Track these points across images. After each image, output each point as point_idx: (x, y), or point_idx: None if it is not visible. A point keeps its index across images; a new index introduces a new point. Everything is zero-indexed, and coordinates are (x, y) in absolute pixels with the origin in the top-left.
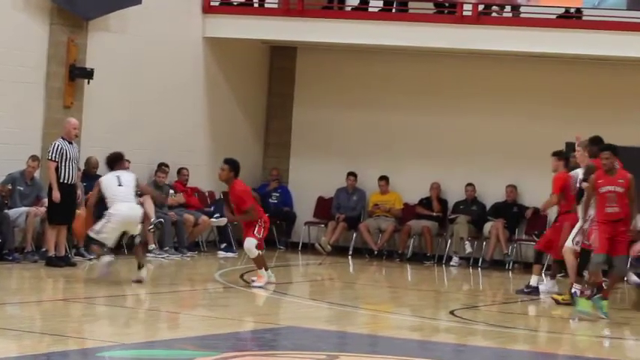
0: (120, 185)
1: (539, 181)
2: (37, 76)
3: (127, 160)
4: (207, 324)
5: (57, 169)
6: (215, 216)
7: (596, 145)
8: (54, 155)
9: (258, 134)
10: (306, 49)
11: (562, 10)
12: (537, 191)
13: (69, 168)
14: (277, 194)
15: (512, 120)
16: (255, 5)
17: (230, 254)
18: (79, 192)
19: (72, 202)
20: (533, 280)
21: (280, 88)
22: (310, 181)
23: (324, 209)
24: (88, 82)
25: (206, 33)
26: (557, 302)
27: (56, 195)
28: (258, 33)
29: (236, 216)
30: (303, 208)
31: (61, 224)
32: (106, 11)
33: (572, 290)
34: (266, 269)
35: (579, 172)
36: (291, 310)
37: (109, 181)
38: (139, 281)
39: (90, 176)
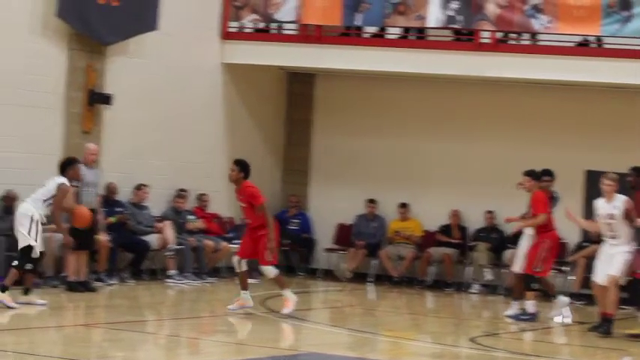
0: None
1: (558, 208)
2: (55, 102)
3: (144, 185)
4: (227, 350)
5: (76, 194)
6: (235, 242)
7: None
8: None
9: (277, 160)
10: (324, 76)
11: (580, 38)
12: (556, 219)
13: (87, 193)
14: (297, 220)
15: (531, 147)
16: (274, 32)
17: (251, 280)
18: (100, 217)
19: (92, 227)
20: (530, 306)
21: (299, 114)
22: (330, 207)
23: (344, 236)
24: (107, 108)
25: (224, 59)
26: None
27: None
28: (276, 59)
29: (248, 217)
30: (323, 235)
31: (81, 249)
32: (124, 37)
33: None
34: (246, 289)
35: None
36: (311, 337)
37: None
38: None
39: (110, 201)
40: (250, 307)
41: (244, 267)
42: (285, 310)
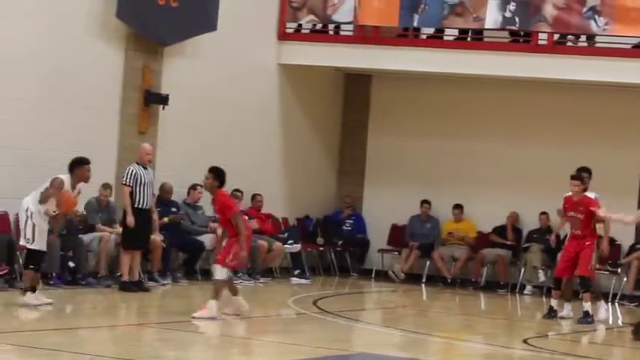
0: None
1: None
2: (111, 102)
3: (199, 185)
4: (279, 350)
5: (131, 193)
6: (289, 242)
7: None
8: (128, 180)
9: (332, 161)
10: (380, 77)
11: (638, 40)
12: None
13: (143, 193)
14: (351, 221)
15: (587, 149)
16: (331, 32)
17: (303, 281)
18: (155, 217)
19: (147, 226)
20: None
21: (355, 115)
22: (384, 208)
23: (398, 236)
24: (163, 108)
25: (281, 60)
26: None
27: (130, 220)
28: (333, 60)
29: (224, 227)
30: (377, 235)
31: (135, 249)
32: (183, 37)
33: None
34: (235, 294)
35: None
36: (363, 337)
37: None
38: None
39: (164, 201)
40: (246, 309)
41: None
42: (197, 314)
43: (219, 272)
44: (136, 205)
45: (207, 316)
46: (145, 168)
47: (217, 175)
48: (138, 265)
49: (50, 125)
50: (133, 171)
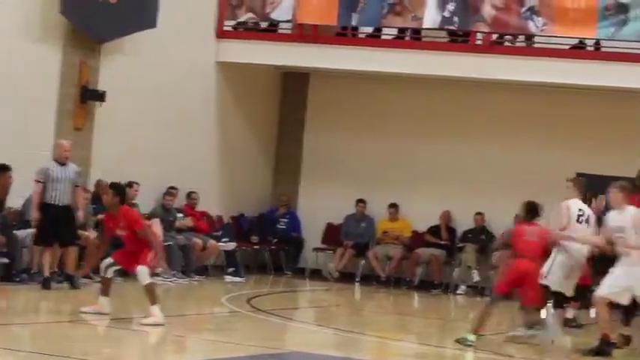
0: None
1: (548, 210)
2: (48, 98)
3: (134, 182)
4: (213, 348)
5: (45, 189)
6: (223, 240)
7: None
8: (39, 176)
9: (268, 159)
10: (318, 75)
11: (576, 41)
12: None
13: (58, 189)
14: (286, 220)
15: (523, 149)
16: (269, 30)
17: (237, 279)
18: (79, 214)
19: (62, 223)
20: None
21: (292, 113)
22: (319, 207)
23: (333, 235)
24: (100, 105)
25: (219, 57)
26: None
27: (34, 215)
28: (271, 58)
29: (128, 244)
30: (312, 234)
31: (46, 245)
32: (122, 34)
33: None
34: (107, 295)
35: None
36: (297, 336)
37: None
38: None
39: (100, 199)
40: (107, 313)
41: (110, 274)
42: (147, 321)
43: (143, 275)
44: (48, 202)
45: (154, 322)
46: (63, 164)
47: (118, 191)
48: (55, 261)
49: None
50: (44, 167)
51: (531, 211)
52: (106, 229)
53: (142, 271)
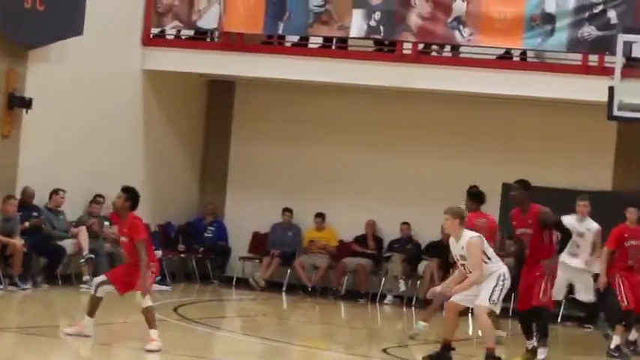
0: None
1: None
2: None
3: (61, 190)
4: (139, 357)
5: None
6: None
7: None
8: None
9: (195, 167)
10: (244, 84)
11: (502, 51)
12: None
13: None
14: (213, 228)
15: (449, 159)
16: (195, 39)
17: (164, 287)
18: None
19: None
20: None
21: (218, 122)
22: (246, 215)
23: (260, 244)
24: (27, 112)
25: (145, 65)
26: None
27: None
28: (197, 66)
29: (128, 254)
30: (239, 243)
31: None
32: (49, 41)
33: None
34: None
35: None
36: (224, 345)
37: None
38: None
39: (26, 206)
40: (88, 335)
41: (101, 293)
42: (151, 346)
43: (146, 300)
44: None
45: (157, 347)
46: None
47: (130, 195)
48: None
49: None
50: None
51: None
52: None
53: (145, 298)
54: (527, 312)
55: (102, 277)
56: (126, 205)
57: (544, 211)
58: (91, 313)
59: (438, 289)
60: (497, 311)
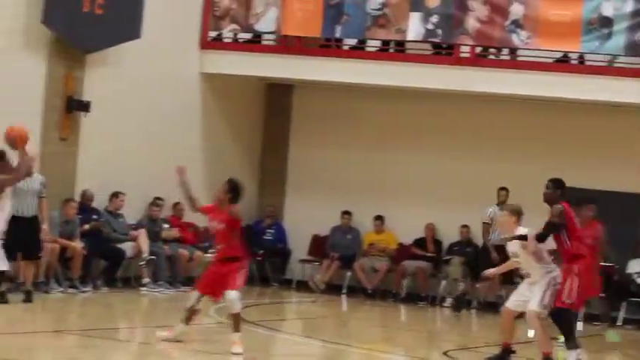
0: None
1: (534, 224)
2: (33, 109)
3: (120, 193)
4: (200, 359)
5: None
6: (210, 251)
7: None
8: None
9: (253, 170)
10: (302, 87)
11: (560, 54)
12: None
13: (22, 201)
14: (272, 231)
15: (506, 163)
16: (253, 42)
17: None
18: (44, 226)
19: (26, 236)
20: None
21: (276, 125)
22: (305, 218)
23: (319, 247)
24: (85, 115)
25: (203, 69)
26: None
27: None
28: (255, 70)
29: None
30: (298, 246)
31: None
32: (107, 45)
33: None
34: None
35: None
36: (284, 347)
37: None
38: None
39: (85, 209)
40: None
41: (198, 305)
42: (236, 349)
43: (234, 301)
44: (13, 214)
45: (239, 351)
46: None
47: (233, 189)
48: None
49: None
50: None
51: None
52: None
53: (233, 297)
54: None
55: (196, 294)
56: (227, 197)
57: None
58: (187, 321)
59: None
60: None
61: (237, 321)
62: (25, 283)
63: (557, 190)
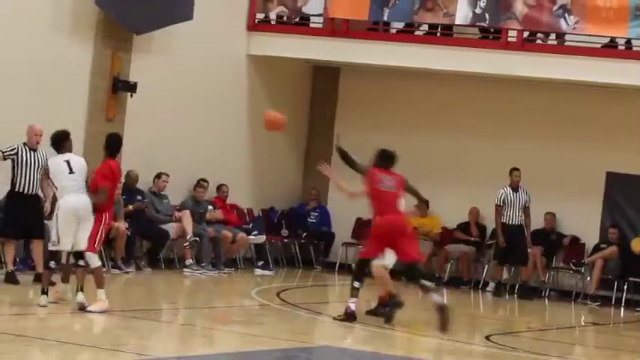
0: (71, 172)
1: (578, 209)
2: (80, 88)
3: (164, 174)
4: (242, 341)
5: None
6: (253, 233)
7: None
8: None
9: (298, 153)
10: (349, 70)
11: (607, 40)
12: (576, 219)
13: (27, 176)
14: (316, 214)
15: (553, 147)
16: (301, 24)
17: (267, 272)
18: (47, 205)
19: (27, 214)
20: None
21: (322, 108)
22: (349, 202)
23: (363, 230)
24: (131, 96)
25: (250, 51)
26: None
27: None
28: (302, 52)
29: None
30: (342, 229)
31: (7, 237)
32: (158, 26)
33: None
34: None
35: None
36: (326, 330)
37: (58, 166)
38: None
39: (130, 189)
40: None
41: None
42: (93, 308)
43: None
44: (17, 190)
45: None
46: (34, 150)
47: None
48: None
49: (17, 111)
50: (13, 149)
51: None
52: None
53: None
54: None
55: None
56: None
57: None
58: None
59: None
60: None
61: (99, 277)
62: (36, 265)
63: None
